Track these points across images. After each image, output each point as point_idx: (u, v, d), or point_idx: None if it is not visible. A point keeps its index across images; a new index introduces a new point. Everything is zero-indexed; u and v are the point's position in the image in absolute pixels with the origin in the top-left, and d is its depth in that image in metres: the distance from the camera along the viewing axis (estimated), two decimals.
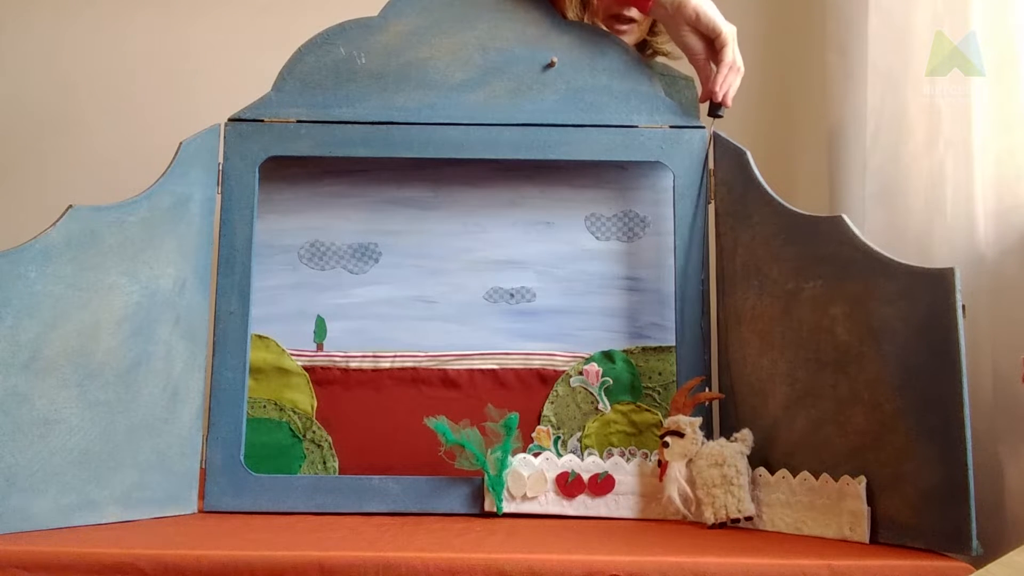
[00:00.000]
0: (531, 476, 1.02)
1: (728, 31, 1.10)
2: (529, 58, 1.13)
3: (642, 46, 1.35)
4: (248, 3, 1.72)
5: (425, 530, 0.93)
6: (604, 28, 1.24)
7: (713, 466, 0.96)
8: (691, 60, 1.15)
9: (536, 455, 1.03)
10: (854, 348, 0.93)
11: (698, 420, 0.99)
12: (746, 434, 0.98)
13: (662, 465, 0.99)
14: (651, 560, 0.81)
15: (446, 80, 1.12)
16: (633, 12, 1.23)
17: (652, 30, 1.32)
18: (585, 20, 1.22)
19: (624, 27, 1.25)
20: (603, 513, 1.02)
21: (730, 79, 1.11)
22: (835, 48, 1.30)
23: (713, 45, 1.11)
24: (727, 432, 1.02)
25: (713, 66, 1.12)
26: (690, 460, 0.98)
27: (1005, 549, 0.81)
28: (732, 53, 1.10)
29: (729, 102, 1.12)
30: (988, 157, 1.06)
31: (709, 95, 1.12)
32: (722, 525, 0.95)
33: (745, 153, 1.08)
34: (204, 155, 1.08)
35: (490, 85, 1.12)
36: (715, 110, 1.11)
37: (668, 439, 0.99)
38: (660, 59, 1.40)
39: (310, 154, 1.11)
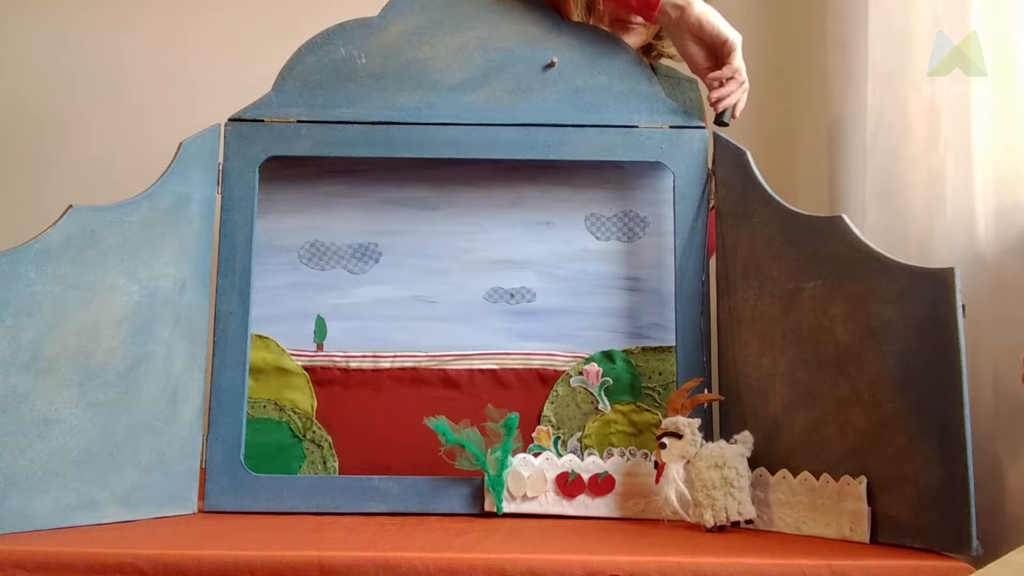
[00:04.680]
0: (531, 476, 1.02)
1: (734, 38, 1.09)
2: (529, 58, 1.13)
3: (647, 49, 1.35)
4: (248, 3, 1.73)
5: (425, 530, 0.93)
6: (608, 31, 1.24)
7: (713, 468, 0.96)
8: (693, 70, 1.14)
9: (536, 455, 1.03)
10: (854, 348, 0.93)
11: (696, 421, 0.99)
12: (746, 436, 0.98)
13: (658, 467, 0.98)
14: (651, 560, 0.81)
15: (446, 80, 1.12)
16: (638, 20, 1.23)
17: (657, 33, 1.32)
18: (591, 23, 1.22)
19: (630, 27, 1.24)
20: (603, 513, 1.02)
21: (730, 88, 1.10)
22: (835, 48, 1.30)
23: (716, 54, 1.11)
24: (727, 432, 1.02)
25: (714, 87, 1.12)
26: (688, 462, 0.98)
27: (1005, 549, 0.81)
28: (738, 60, 1.10)
29: (737, 114, 1.12)
30: (988, 157, 1.06)
31: (713, 103, 1.11)
32: (721, 528, 0.95)
33: (745, 153, 1.08)
34: (204, 155, 1.08)
35: (490, 85, 1.12)
36: (720, 118, 1.11)
37: (665, 440, 0.98)
38: (664, 61, 1.40)
39: (310, 154, 1.11)
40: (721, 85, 1.10)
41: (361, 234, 1.15)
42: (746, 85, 1.12)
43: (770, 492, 0.97)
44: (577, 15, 1.21)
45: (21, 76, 1.71)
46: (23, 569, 0.80)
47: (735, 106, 1.13)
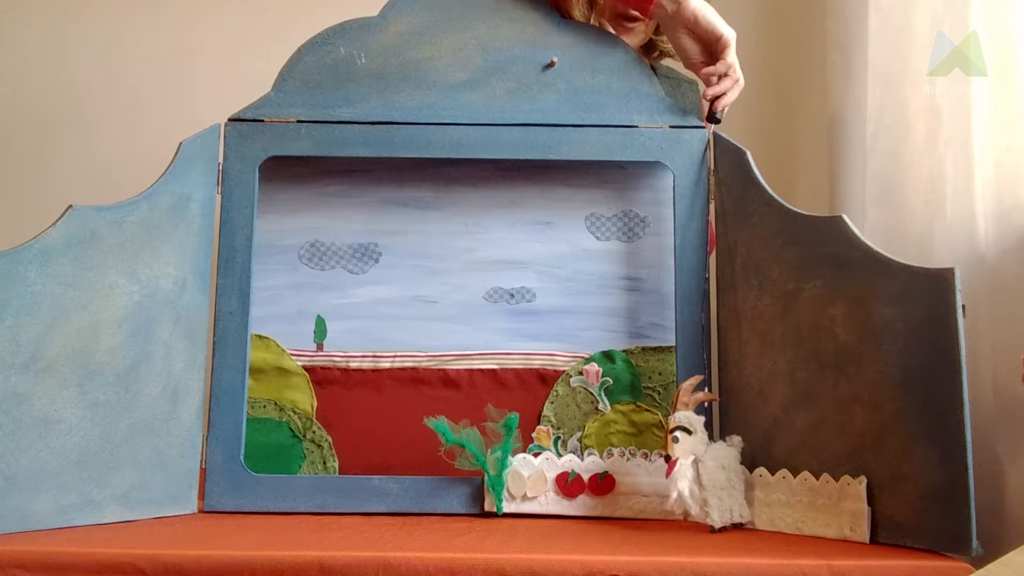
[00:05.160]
0: (531, 476, 1.02)
1: (729, 35, 1.10)
2: (529, 58, 1.13)
3: (649, 47, 1.35)
4: (248, 3, 1.72)
5: (425, 530, 0.93)
6: (610, 27, 1.24)
7: (720, 468, 0.96)
8: (687, 65, 1.15)
9: (536, 455, 1.03)
10: (854, 348, 0.93)
11: (703, 419, 0.99)
12: (738, 440, 0.99)
13: (670, 461, 0.96)
14: (651, 560, 0.81)
15: (446, 80, 1.12)
16: (637, 14, 1.23)
17: (658, 30, 1.32)
18: (592, 19, 1.22)
19: (631, 25, 1.25)
20: (603, 513, 1.02)
21: (726, 85, 1.10)
22: (835, 48, 1.30)
23: (711, 50, 1.11)
24: (727, 432, 1.02)
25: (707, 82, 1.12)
26: (695, 459, 0.97)
27: (1005, 549, 0.81)
28: (732, 57, 1.10)
29: (724, 114, 1.12)
30: (988, 157, 1.06)
31: (710, 100, 1.11)
32: (722, 529, 0.95)
33: (745, 153, 1.08)
34: (204, 155, 1.08)
35: (490, 85, 1.12)
36: (713, 115, 1.11)
37: (678, 434, 0.96)
38: (666, 61, 1.40)
39: (310, 154, 1.11)
40: (718, 81, 1.10)
41: (361, 234, 1.15)
42: (741, 82, 1.12)
43: (770, 492, 0.97)
44: (578, 10, 1.21)
45: (21, 76, 1.71)
46: (23, 569, 0.80)
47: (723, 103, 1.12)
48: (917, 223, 1.13)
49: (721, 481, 0.95)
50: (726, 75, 1.10)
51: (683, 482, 0.95)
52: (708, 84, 1.12)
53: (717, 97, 1.10)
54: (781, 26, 1.61)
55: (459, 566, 0.80)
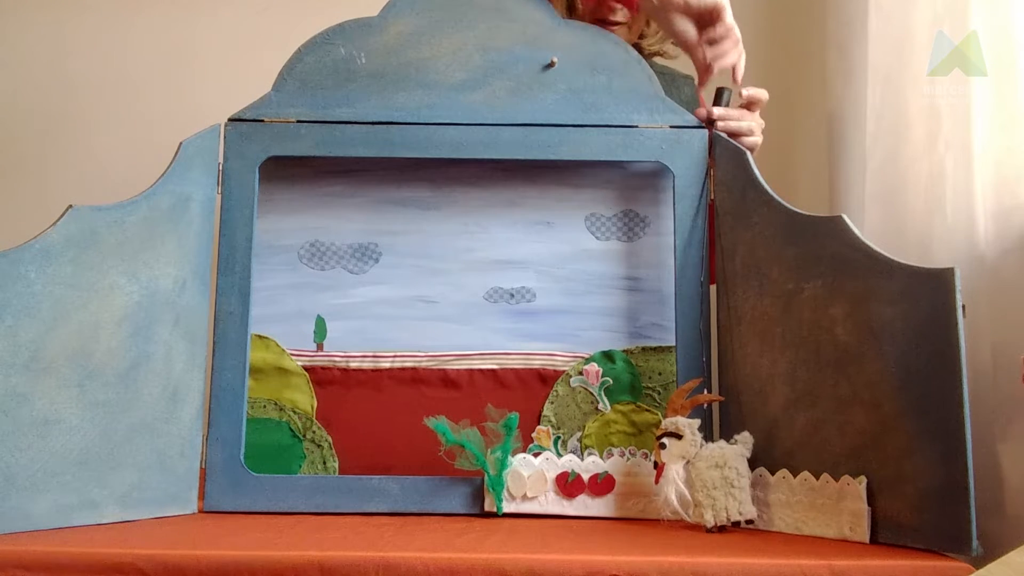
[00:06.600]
0: (531, 476, 1.02)
1: (721, 1, 1.09)
2: (529, 58, 1.13)
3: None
4: (248, 3, 1.73)
5: (425, 530, 0.93)
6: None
7: (713, 468, 0.96)
8: (684, 47, 1.14)
9: (536, 455, 1.03)
10: (854, 348, 0.93)
11: (696, 422, 0.99)
12: (746, 436, 0.98)
13: (658, 467, 0.98)
14: (651, 560, 0.81)
15: (446, 80, 1.12)
16: (620, 15, 1.22)
17: (640, 34, 1.32)
18: None
19: (612, 29, 1.25)
20: (603, 513, 1.02)
21: (728, 47, 1.09)
22: (835, 48, 1.30)
23: (707, 24, 1.11)
24: (727, 432, 1.02)
25: (708, 49, 1.11)
26: (688, 462, 0.97)
27: (1005, 549, 0.81)
28: (729, 19, 1.09)
29: (739, 77, 1.12)
30: (988, 157, 1.06)
31: (705, 75, 1.11)
32: (721, 528, 0.95)
33: (745, 153, 1.08)
34: (204, 155, 1.08)
35: (490, 85, 1.12)
36: (720, 97, 1.11)
37: (665, 440, 0.98)
38: (658, 60, 1.40)
39: (310, 154, 1.11)
40: (712, 44, 1.10)
41: (361, 234, 1.15)
42: (741, 46, 1.11)
43: (770, 492, 0.97)
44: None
45: (21, 76, 1.71)
46: (23, 569, 0.80)
47: (735, 71, 1.12)
48: (917, 223, 1.13)
49: (714, 480, 0.95)
50: (726, 38, 1.10)
51: (669, 487, 0.96)
52: (704, 52, 1.10)
53: (716, 59, 1.09)
54: (781, 26, 1.61)
55: (459, 566, 0.80)
